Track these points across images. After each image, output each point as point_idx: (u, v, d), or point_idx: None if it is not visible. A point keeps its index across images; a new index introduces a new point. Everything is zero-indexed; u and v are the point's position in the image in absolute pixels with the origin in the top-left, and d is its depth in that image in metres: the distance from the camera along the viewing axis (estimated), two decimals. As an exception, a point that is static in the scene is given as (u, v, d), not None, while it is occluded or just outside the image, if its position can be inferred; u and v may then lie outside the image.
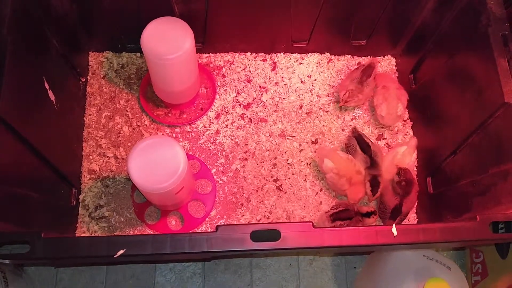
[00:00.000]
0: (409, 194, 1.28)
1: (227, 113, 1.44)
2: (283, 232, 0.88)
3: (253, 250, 0.88)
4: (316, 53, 1.52)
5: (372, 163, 1.32)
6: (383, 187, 1.31)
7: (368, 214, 1.27)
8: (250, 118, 1.44)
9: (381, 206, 1.33)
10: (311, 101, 1.47)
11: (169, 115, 1.42)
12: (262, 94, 1.47)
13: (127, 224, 1.31)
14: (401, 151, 1.34)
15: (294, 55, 1.52)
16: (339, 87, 1.44)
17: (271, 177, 1.38)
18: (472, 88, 1.14)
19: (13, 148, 1.01)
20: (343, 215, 1.26)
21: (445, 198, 1.26)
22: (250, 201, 1.35)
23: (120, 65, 1.47)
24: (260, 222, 1.33)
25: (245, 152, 1.40)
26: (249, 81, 1.48)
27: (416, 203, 1.38)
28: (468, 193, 1.14)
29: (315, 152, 1.41)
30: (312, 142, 1.42)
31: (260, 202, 1.35)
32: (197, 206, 1.34)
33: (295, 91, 1.48)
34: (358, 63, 1.51)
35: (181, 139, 1.41)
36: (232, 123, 1.43)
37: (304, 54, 1.52)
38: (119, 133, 1.39)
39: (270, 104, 1.46)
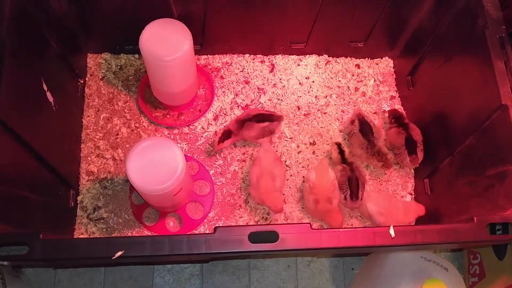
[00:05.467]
0: (408, 124, 1.36)
1: (225, 114, 1.44)
2: (281, 234, 0.89)
3: (251, 251, 0.89)
4: (314, 54, 1.53)
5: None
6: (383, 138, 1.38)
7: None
8: (248, 120, 1.44)
9: (395, 151, 1.37)
10: (309, 103, 1.47)
11: (167, 116, 1.43)
12: (260, 96, 1.47)
13: (125, 226, 1.31)
14: (312, 177, 1.29)
15: (292, 56, 1.53)
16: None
17: (269, 179, 1.38)
18: (469, 90, 1.15)
19: (11, 149, 1.01)
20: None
21: (443, 199, 1.27)
22: (248, 202, 1.35)
23: (119, 67, 1.47)
24: (258, 223, 1.33)
25: (243, 154, 1.40)
26: (247, 82, 1.49)
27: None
28: (466, 195, 1.15)
29: (313, 153, 1.41)
30: (310, 143, 1.42)
31: (258, 204, 1.35)
32: (195, 208, 1.34)
33: (293, 93, 1.48)
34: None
35: (179, 141, 1.41)
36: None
37: (302, 56, 1.53)
38: (117, 134, 1.40)
39: (268, 105, 1.46)
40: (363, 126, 1.35)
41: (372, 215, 1.28)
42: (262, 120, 1.33)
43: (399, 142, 1.35)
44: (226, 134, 1.34)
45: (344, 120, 1.46)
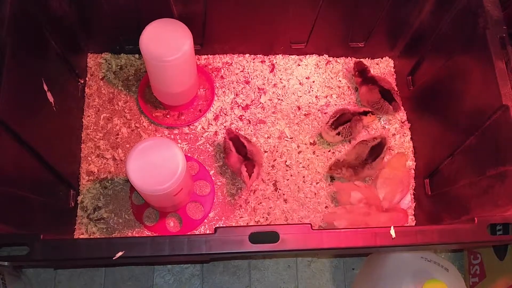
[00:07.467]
0: (373, 77, 1.43)
1: (225, 114, 1.44)
2: (282, 234, 0.89)
3: (252, 252, 0.88)
4: (314, 54, 1.53)
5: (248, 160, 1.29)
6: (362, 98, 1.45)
7: (365, 113, 1.40)
8: (248, 120, 1.44)
9: (375, 106, 1.42)
10: (309, 103, 1.47)
11: (168, 116, 1.43)
12: (260, 96, 1.47)
13: (125, 226, 1.31)
14: (358, 196, 1.30)
15: (293, 56, 1.52)
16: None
17: (270, 179, 1.38)
18: (469, 90, 1.15)
19: (12, 150, 1.01)
20: (342, 119, 1.36)
21: (443, 200, 1.27)
22: (249, 202, 1.35)
23: (119, 67, 1.47)
24: (259, 223, 1.33)
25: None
26: (247, 82, 1.49)
27: (414, 200, 1.39)
28: (466, 195, 1.15)
29: (313, 153, 1.41)
30: (311, 143, 1.42)
31: (258, 204, 1.35)
32: (196, 208, 1.34)
33: (294, 93, 1.48)
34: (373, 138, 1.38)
35: (179, 141, 1.41)
36: (230, 124, 1.43)
37: (302, 56, 1.53)
38: (118, 134, 1.39)
39: (268, 105, 1.46)
40: (377, 147, 1.34)
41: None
42: (237, 143, 1.30)
43: (375, 97, 1.41)
44: (250, 166, 1.26)
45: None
